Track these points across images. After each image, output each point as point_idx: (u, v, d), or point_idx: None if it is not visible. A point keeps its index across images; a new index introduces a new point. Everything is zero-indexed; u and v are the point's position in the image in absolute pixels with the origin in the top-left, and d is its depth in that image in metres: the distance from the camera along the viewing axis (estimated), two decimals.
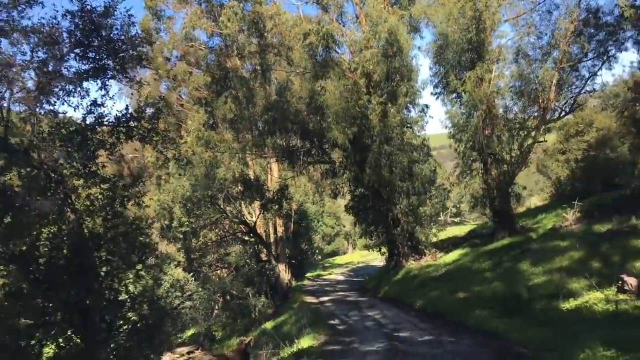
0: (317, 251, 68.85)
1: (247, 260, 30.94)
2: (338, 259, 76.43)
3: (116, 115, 14.99)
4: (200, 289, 27.81)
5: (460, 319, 14.60)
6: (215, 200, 26.71)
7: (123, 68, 14.85)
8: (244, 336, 25.35)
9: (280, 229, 36.32)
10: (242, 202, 30.85)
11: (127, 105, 15.74)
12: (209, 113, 26.56)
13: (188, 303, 27.12)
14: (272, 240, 36.67)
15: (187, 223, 27.50)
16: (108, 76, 14.84)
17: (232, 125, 25.17)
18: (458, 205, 76.11)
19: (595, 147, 32.81)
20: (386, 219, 27.37)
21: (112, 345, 15.14)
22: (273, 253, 34.02)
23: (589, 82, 24.17)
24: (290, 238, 40.38)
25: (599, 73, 23.73)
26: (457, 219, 79.36)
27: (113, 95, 15.47)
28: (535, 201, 45.66)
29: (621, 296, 12.13)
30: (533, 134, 23.73)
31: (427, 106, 28.00)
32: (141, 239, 15.56)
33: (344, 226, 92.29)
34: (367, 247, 35.84)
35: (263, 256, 33.61)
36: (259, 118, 23.63)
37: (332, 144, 25.35)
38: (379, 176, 25.64)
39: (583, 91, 24.48)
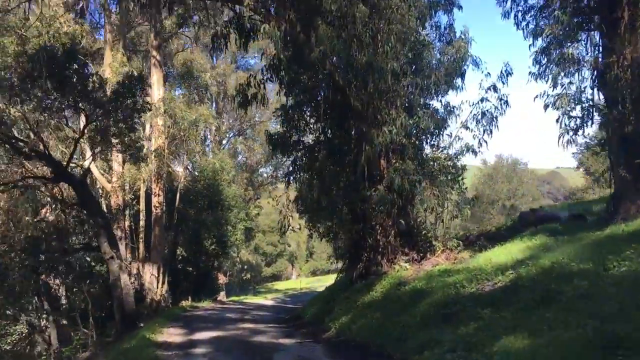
0: (245, 267, 51.94)
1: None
2: (278, 284, 60.72)
3: None
4: None
5: None
6: None
7: None
8: None
9: (156, 201, 20.26)
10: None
11: None
12: None
13: None
14: (142, 222, 20.57)
15: None
16: None
17: None
18: None
19: None
20: (354, 165, 12.14)
21: None
22: (136, 243, 18.06)
23: None
24: (179, 226, 24.12)
25: None
26: None
27: None
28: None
29: None
30: None
31: None
32: None
33: (289, 245, 76.27)
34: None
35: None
36: None
37: None
38: (346, 46, 10.51)
39: None
